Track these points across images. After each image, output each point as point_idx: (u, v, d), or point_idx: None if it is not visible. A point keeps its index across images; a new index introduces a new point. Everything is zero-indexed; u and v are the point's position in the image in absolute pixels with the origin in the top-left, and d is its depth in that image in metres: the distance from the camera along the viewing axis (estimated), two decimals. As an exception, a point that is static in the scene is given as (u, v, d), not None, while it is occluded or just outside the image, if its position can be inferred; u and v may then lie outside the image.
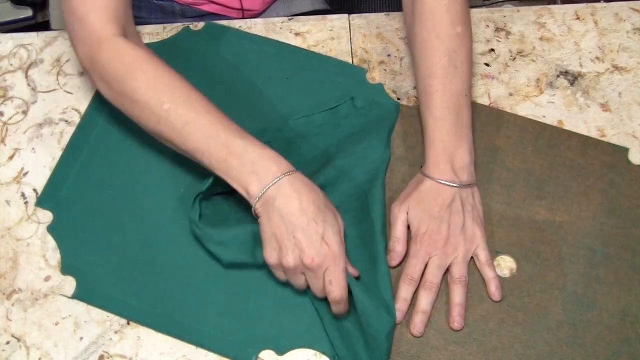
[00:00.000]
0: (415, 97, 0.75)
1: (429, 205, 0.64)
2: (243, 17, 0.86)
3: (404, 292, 0.63)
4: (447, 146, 0.65)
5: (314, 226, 0.58)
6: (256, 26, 0.81)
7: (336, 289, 0.58)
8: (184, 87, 0.63)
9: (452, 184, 0.64)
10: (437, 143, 0.65)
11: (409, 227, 0.66)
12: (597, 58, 0.78)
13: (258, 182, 0.59)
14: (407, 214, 0.65)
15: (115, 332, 0.63)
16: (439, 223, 0.64)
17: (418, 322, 0.62)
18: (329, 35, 0.80)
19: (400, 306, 0.63)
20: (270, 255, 0.59)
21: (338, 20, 0.81)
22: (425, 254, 0.64)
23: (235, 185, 0.60)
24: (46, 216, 0.69)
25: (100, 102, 0.75)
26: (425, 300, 0.63)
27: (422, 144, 0.70)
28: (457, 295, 0.63)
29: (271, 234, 0.59)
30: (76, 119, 0.75)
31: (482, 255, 0.65)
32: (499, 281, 0.64)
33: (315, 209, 0.58)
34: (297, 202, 0.58)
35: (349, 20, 0.81)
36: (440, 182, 0.64)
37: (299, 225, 0.57)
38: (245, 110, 0.74)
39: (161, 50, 0.76)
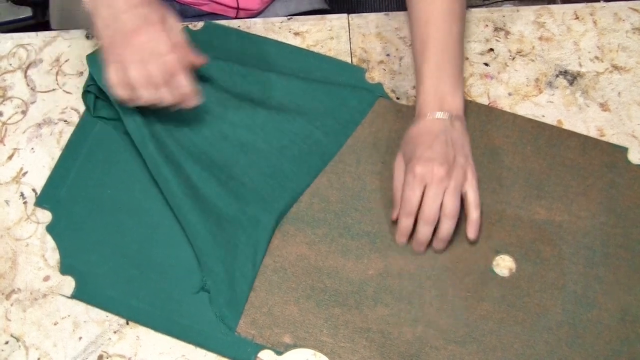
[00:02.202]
0: (415, 97, 0.75)
1: (421, 139, 0.65)
2: (242, 17, 0.86)
3: (404, 224, 0.65)
4: (440, 89, 0.67)
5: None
6: (255, 26, 0.81)
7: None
8: None
9: (442, 117, 0.66)
10: (427, 86, 0.67)
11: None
12: (597, 58, 0.78)
13: None
14: (404, 156, 0.67)
15: (115, 332, 0.63)
16: (429, 147, 0.64)
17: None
18: (328, 35, 0.80)
19: (403, 232, 0.65)
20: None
21: (337, 20, 0.81)
22: (420, 181, 0.63)
23: None
24: (45, 216, 0.69)
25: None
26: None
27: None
28: (444, 229, 0.64)
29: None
30: (75, 119, 0.75)
31: (471, 195, 0.65)
32: (479, 223, 0.65)
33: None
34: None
35: (348, 20, 0.81)
36: (432, 118, 0.66)
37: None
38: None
39: (160, 50, 0.76)
